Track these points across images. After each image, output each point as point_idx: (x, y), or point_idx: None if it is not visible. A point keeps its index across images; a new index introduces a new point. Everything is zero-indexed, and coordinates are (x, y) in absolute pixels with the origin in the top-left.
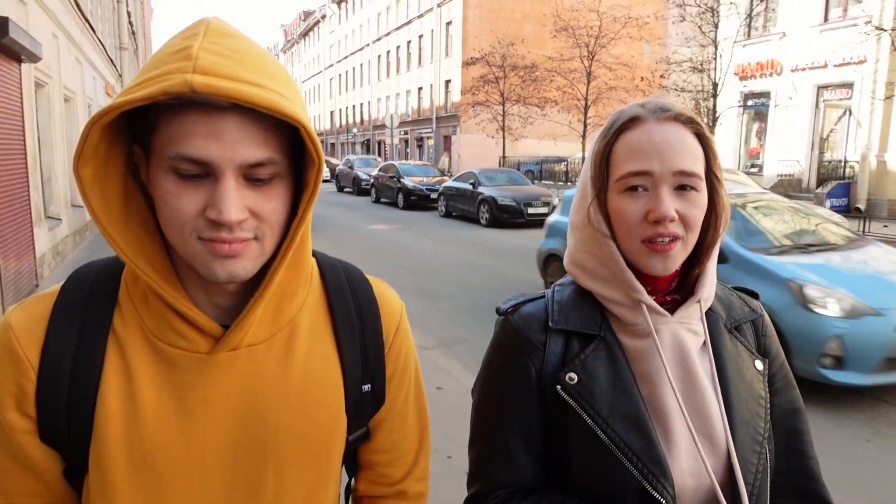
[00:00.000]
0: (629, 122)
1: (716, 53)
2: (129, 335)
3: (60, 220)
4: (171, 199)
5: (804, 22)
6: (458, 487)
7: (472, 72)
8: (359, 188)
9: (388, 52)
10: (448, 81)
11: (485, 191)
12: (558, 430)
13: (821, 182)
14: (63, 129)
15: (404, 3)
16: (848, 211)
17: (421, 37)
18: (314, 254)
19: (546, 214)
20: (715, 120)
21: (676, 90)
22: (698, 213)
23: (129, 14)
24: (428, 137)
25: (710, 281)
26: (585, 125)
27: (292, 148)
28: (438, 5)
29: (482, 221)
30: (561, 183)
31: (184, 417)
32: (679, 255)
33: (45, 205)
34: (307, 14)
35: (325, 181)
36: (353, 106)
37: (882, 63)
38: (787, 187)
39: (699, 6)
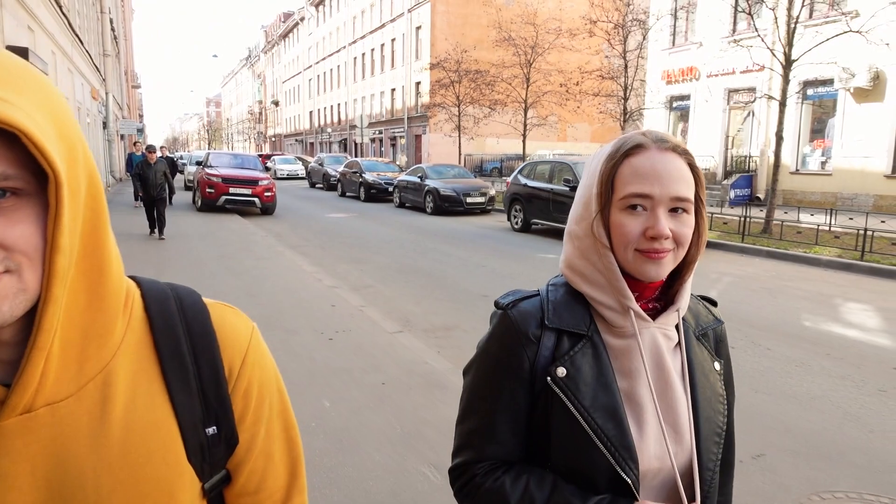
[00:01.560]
0: (634, 149)
1: (625, 63)
2: None
3: None
4: None
5: (717, 34)
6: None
7: (435, 75)
8: (328, 184)
9: (363, 54)
10: (418, 83)
11: (430, 183)
12: (543, 414)
13: (728, 175)
14: None
15: (378, 7)
16: (750, 199)
17: (393, 40)
18: (140, 282)
19: (483, 203)
20: (626, 120)
21: (590, 94)
22: (688, 232)
23: (111, 21)
24: (400, 137)
25: (687, 292)
26: (525, 125)
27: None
28: (409, 11)
29: (427, 210)
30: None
31: None
32: (669, 264)
33: None
34: (287, 16)
35: (299, 178)
36: (331, 106)
37: (776, 70)
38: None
39: (609, 22)
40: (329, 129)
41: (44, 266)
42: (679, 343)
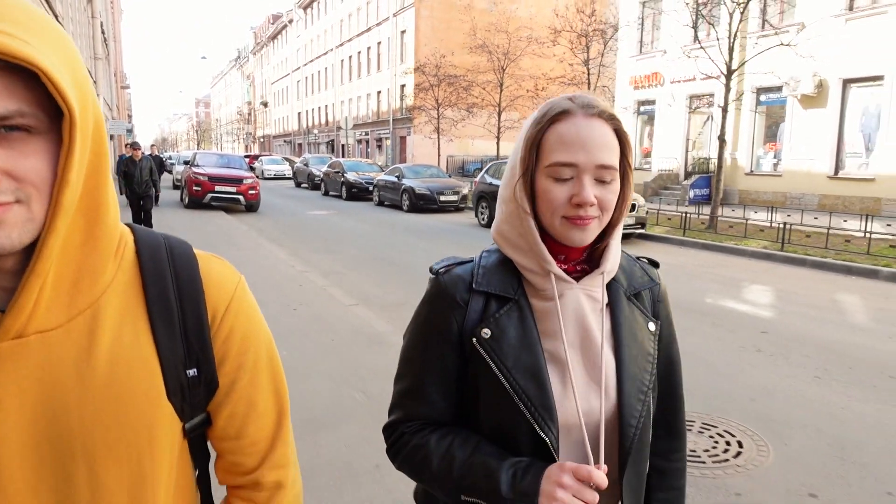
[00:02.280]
0: (560, 115)
1: (587, 70)
2: None
3: None
4: None
5: (678, 42)
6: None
7: (416, 79)
8: (312, 183)
9: (350, 57)
10: (403, 86)
11: (406, 182)
12: (472, 377)
13: (689, 175)
14: None
15: (364, 11)
16: (709, 199)
17: (379, 44)
18: (134, 229)
19: (456, 202)
20: None
21: (532, 100)
22: (613, 198)
23: (101, 25)
24: (386, 138)
25: (613, 254)
26: (499, 128)
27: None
28: (394, 15)
29: (404, 208)
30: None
31: None
32: (594, 230)
33: None
34: (275, 18)
35: (286, 178)
36: (319, 108)
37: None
38: (667, 180)
39: (573, 32)
40: (315, 131)
41: (50, 198)
42: (612, 303)
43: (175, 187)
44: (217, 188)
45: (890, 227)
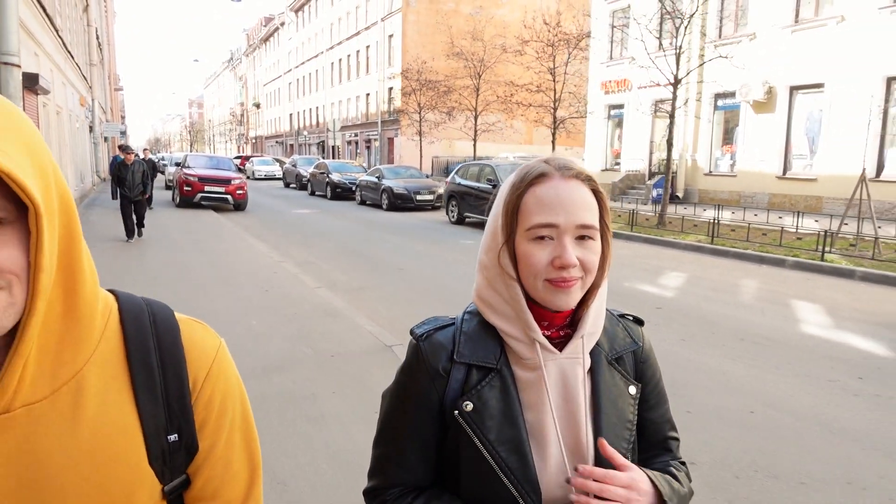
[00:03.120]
0: (538, 178)
1: (553, 78)
2: None
3: None
4: None
5: (645, 50)
6: None
7: (401, 83)
8: (300, 184)
9: (340, 59)
10: (391, 89)
11: (386, 182)
12: (453, 445)
13: (652, 175)
14: (56, 133)
15: (354, 15)
16: (671, 198)
17: (368, 47)
18: (118, 296)
19: (431, 201)
20: (556, 127)
21: (524, 105)
22: (595, 259)
23: (97, 31)
24: (374, 139)
25: (595, 317)
26: (476, 130)
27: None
28: (382, 19)
29: (383, 206)
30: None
31: None
32: (577, 292)
33: None
34: (268, 20)
35: (276, 178)
36: (310, 109)
37: (692, 86)
38: (634, 180)
39: (540, 41)
40: (305, 132)
41: (28, 283)
42: (592, 370)
43: (167, 188)
44: (206, 188)
45: (817, 223)
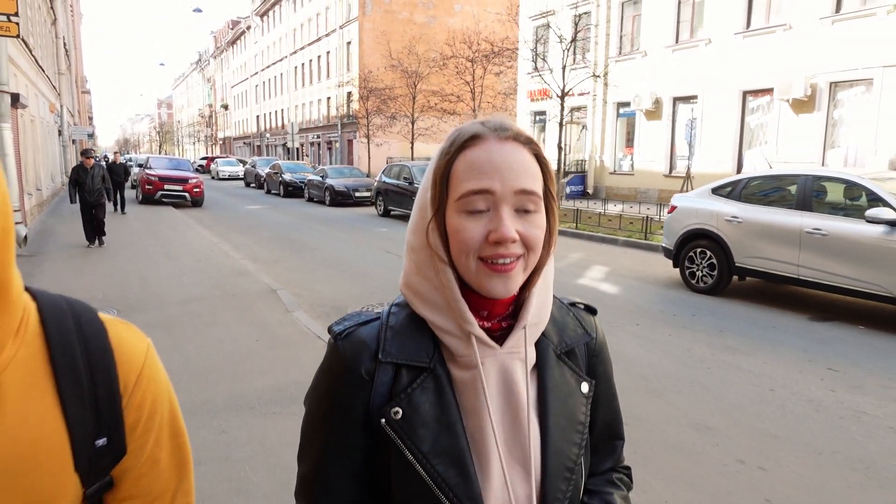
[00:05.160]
0: (470, 140)
1: (471, 89)
2: None
3: (31, 194)
4: None
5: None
6: None
7: (350, 89)
8: (258, 183)
9: (303, 64)
10: (349, 93)
11: (328, 181)
12: (383, 460)
13: (566, 174)
14: (31, 140)
15: (315, 22)
16: (583, 194)
17: (328, 53)
18: (35, 295)
19: (369, 197)
20: None
21: (448, 113)
22: (539, 234)
23: (64, 41)
24: (335, 141)
25: (540, 304)
26: (413, 134)
27: None
28: (340, 27)
29: (326, 203)
30: None
31: None
32: (519, 275)
33: (26, 182)
34: (234, 23)
35: (239, 178)
36: (275, 111)
37: (598, 97)
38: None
39: (460, 57)
40: (268, 134)
41: None
42: (539, 364)
43: (132, 187)
44: (166, 187)
45: None
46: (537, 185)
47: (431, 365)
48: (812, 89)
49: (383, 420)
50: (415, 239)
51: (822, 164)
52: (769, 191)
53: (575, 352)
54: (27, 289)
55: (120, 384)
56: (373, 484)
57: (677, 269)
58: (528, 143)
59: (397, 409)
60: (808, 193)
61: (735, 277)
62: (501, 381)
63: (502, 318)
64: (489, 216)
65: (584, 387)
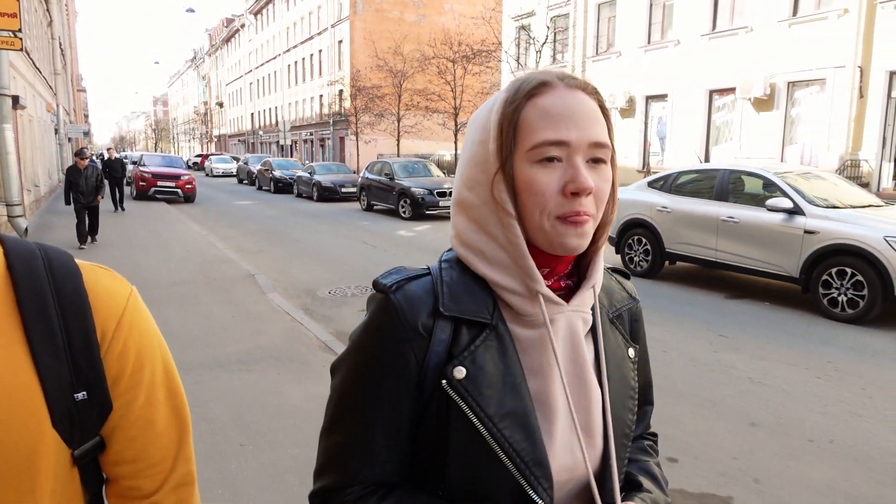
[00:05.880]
0: (538, 87)
1: (452, 88)
2: None
3: (29, 190)
4: None
5: (541, 63)
6: None
7: (341, 88)
8: (250, 180)
9: (296, 62)
10: (341, 91)
11: (316, 177)
12: (436, 426)
13: None
14: (30, 139)
15: (307, 20)
16: None
17: (320, 51)
18: (3, 240)
19: (355, 192)
20: (458, 130)
21: (430, 111)
22: (608, 187)
23: (59, 41)
24: (328, 138)
25: (601, 264)
26: (399, 131)
27: None
28: (332, 26)
29: (314, 198)
30: None
31: None
32: (590, 231)
33: (25, 178)
34: (229, 21)
35: (233, 175)
36: (270, 109)
37: None
38: None
39: (440, 58)
40: (261, 131)
41: None
42: (594, 328)
43: (126, 184)
44: (159, 183)
45: None
46: (607, 137)
47: (493, 321)
48: (771, 89)
49: (444, 381)
50: (472, 195)
51: (782, 160)
52: (693, 183)
53: (623, 315)
54: None
55: (98, 331)
56: (417, 460)
57: (619, 255)
58: (595, 94)
59: (461, 367)
60: (724, 186)
61: (667, 262)
62: (568, 340)
63: (561, 277)
64: (563, 167)
65: (631, 352)
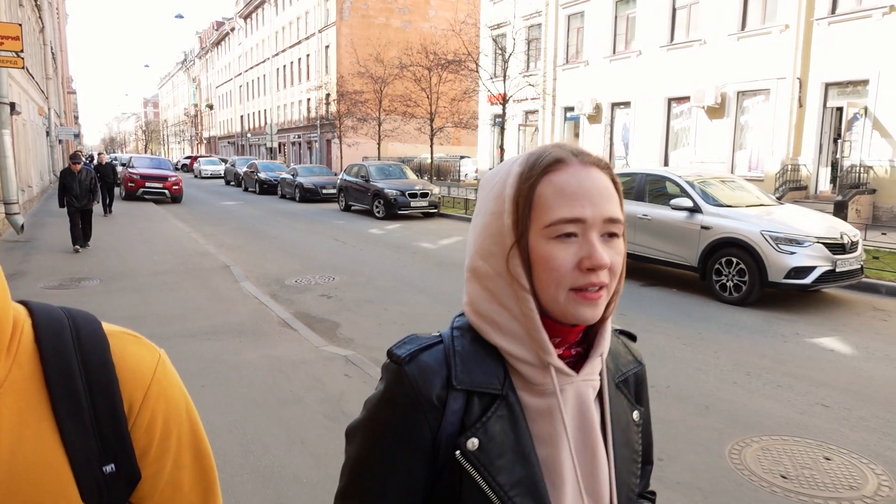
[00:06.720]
0: (554, 164)
1: (428, 95)
2: None
3: (24, 190)
4: None
5: (517, 71)
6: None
7: (326, 93)
8: (237, 181)
9: (284, 66)
10: (328, 95)
11: (299, 179)
12: (448, 494)
13: None
14: (23, 142)
15: (295, 25)
16: None
17: (308, 56)
18: (32, 309)
19: (335, 194)
20: (434, 134)
21: (408, 115)
22: (621, 260)
23: (51, 46)
24: (315, 141)
25: (610, 330)
26: (379, 135)
27: None
28: (319, 31)
29: (297, 199)
30: None
31: None
32: (604, 303)
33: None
34: (219, 24)
35: (221, 177)
36: (259, 111)
37: (548, 101)
38: None
39: (417, 66)
40: (249, 134)
41: None
42: (600, 393)
43: (116, 184)
44: (147, 184)
45: None
46: (620, 213)
47: (504, 392)
48: (722, 97)
49: (458, 452)
50: (486, 265)
51: (732, 165)
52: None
53: (628, 380)
54: (24, 303)
55: (125, 404)
56: None
57: None
58: (607, 168)
59: (474, 439)
60: (641, 187)
61: None
62: (577, 409)
63: (572, 345)
64: (578, 242)
65: (636, 415)
